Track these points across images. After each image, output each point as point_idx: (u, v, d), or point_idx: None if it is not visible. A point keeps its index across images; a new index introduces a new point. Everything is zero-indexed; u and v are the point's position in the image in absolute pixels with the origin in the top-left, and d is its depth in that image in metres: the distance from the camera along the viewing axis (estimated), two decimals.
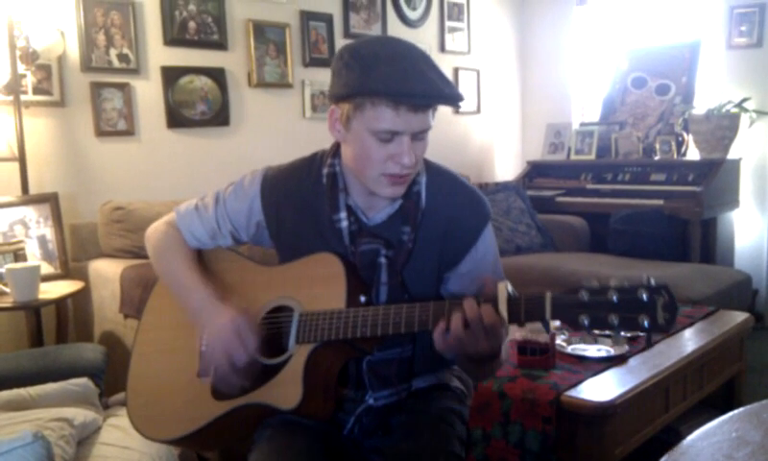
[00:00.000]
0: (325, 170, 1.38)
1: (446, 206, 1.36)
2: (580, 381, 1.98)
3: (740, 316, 2.64)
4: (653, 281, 1.07)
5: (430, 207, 1.35)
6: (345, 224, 1.34)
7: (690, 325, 2.52)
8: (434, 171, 1.40)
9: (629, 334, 2.33)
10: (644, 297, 1.06)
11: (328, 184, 1.36)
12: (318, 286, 1.32)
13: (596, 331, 2.34)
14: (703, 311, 2.69)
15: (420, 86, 1.18)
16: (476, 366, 1.31)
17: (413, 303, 1.23)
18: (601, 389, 1.94)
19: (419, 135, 1.24)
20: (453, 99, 1.23)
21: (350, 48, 1.25)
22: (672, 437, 2.17)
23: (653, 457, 1.16)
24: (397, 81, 1.18)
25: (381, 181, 1.27)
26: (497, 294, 1.15)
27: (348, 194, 1.36)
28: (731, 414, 1.30)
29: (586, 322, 1.09)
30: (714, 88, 4.30)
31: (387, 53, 1.21)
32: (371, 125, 1.22)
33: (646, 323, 1.06)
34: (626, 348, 2.20)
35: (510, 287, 1.17)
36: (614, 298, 1.08)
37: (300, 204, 1.39)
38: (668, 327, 1.06)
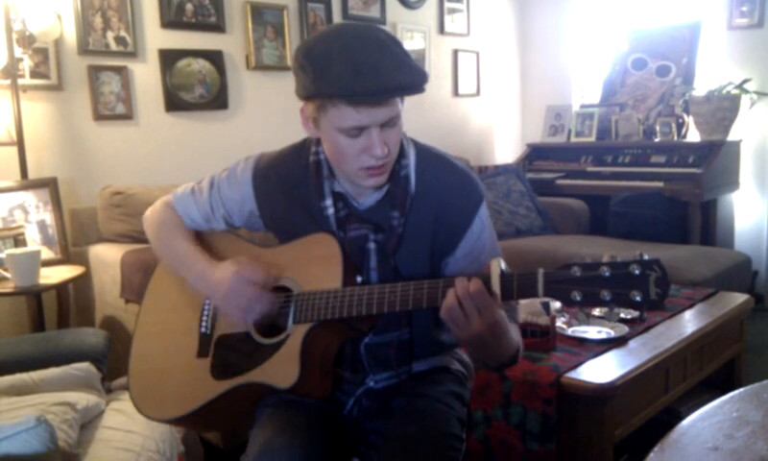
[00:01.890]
0: (311, 158, 1.37)
1: (437, 189, 1.34)
2: (580, 363, 1.99)
3: (740, 297, 2.65)
4: (645, 256, 1.08)
5: (420, 191, 1.33)
6: (331, 211, 1.34)
7: (690, 306, 2.53)
8: (423, 153, 1.38)
9: (628, 316, 2.33)
10: (636, 272, 1.06)
11: (313, 172, 1.36)
12: (315, 266, 1.32)
13: (595, 311, 2.36)
14: (703, 293, 2.69)
15: (374, 82, 1.15)
16: (485, 358, 1.31)
17: (408, 282, 1.23)
18: (601, 371, 1.95)
19: (389, 123, 1.22)
20: (411, 88, 1.19)
21: (304, 48, 1.23)
22: (672, 418, 2.17)
23: (653, 438, 1.16)
24: (350, 80, 1.14)
25: (360, 175, 1.27)
26: (490, 271, 1.16)
27: (336, 180, 1.35)
28: (731, 394, 1.31)
29: (578, 297, 1.09)
30: (715, 69, 4.28)
31: (339, 49, 1.17)
32: (336, 124, 1.21)
33: (638, 298, 1.06)
34: (626, 329, 2.21)
35: (503, 264, 1.16)
36: (606, 273, 1.08)
37: (290, 191, 1.39)
38: (660, 303, 1.06)
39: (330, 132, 1.23)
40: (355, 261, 1.32)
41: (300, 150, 1.42)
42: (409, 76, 1.18)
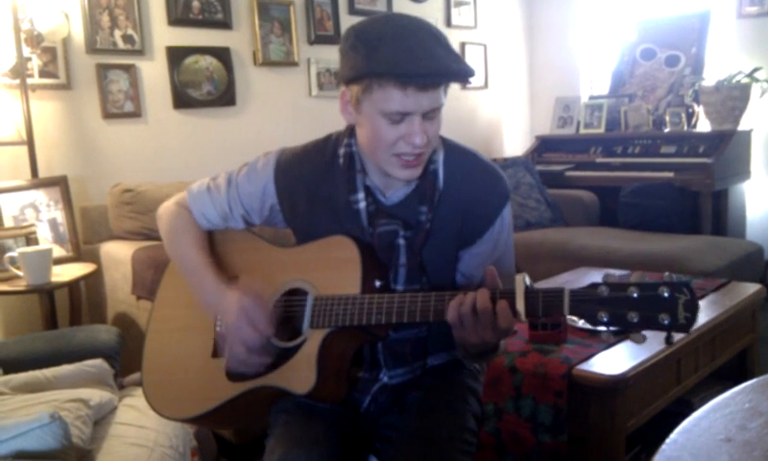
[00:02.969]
0: (342, 150, 1.36)
1: (465, 185, 1.33)
2: (591, 355, 1.98)
3: (752, 287, 2.63)
4: (674, 278, 1.06)
5: (448, 187, 1.33)
6: (362, 205, 1.32)
7: (702, 297, 2.51)
8: (452, 149, 1.37)
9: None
10: (665, 294, 1.04)
11: (345, 165, 1.34)
12: (333, 270, 1.30)
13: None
14: (715, 283, 2.67)
15: (426, 65, 1.15)
16: (473, 356, 1.29)
17: (428, 293, 1.22)
18: (613, 362, 1.94)
19: (430, 114, 1.22)
20: (462, 75, 1.20)
21: (356, 29, 1.23)
22: (684, 409, 2.16)
23: (665, 429, 1.16)
24: (403, 60, 1.15)
25: (393, 163, 1.25)
26: (515, 287, 1.13)
27: (366, 174, 1.34)
28: (743, 385, 1.30)
29: (605, 318, 1.07)
30: (725, 59, 4.25)
31: (392, 32, 1.18)
32: (380, 106, 1.20)
33: (666, 321, 1.04)
34: None
35: (528, 279, 1.14)
36: (635, 294, 1.06)
37: (314, 187, 1.37)
38: (688, 327, 1.04)
39: (372, 115, 1.22)
40: (384, 257, 1.31)
41: (324, 146, 1.40)
42: (458, 64, 1.20)
